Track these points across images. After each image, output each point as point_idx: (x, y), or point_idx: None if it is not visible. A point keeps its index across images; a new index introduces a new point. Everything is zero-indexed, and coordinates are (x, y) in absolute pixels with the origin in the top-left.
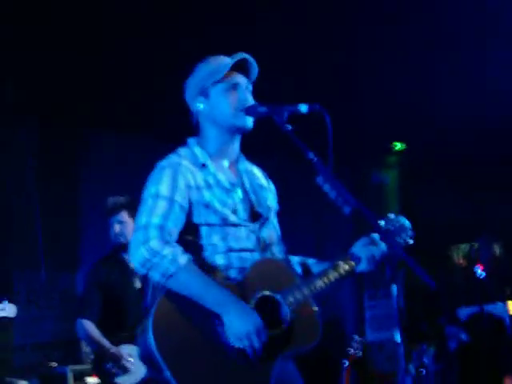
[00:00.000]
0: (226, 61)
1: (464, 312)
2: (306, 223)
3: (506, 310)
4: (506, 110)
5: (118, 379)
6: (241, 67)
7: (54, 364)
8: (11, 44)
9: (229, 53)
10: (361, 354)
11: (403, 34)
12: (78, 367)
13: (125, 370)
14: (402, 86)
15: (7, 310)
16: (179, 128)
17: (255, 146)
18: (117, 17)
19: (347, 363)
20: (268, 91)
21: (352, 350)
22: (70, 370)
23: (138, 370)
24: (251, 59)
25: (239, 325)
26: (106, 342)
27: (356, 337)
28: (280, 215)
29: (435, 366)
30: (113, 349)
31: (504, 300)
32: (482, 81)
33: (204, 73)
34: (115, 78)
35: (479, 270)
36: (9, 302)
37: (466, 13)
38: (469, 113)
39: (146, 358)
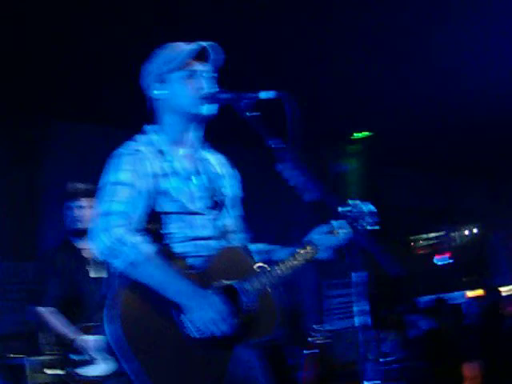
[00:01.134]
0: (185, 49)
1: (423, 300)
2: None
3: (464, 299)
4: (471, 95)
5: (81, 370)
6: (200, 55)
7: (12, 355)
8: None
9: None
10: (320, 343)
11: (367, 19)
12: (36, 358)
13: (89, 361)
14: (365, 72)
15: None
16: (138, 115)
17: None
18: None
19: (306, 352)
20: (229, 79)
21: (311, 340)
22: (27, 361)
23: (103, 361)
24: (211, 48)
25: (203, 313)
26: (69, 331)
27: (315, 326)
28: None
29: (397, 354)
30: (77, 339)
31: (463, 288)
32: (445, 65)
33: (162, 60)
34: (72, 66)
35: (440, 259)
36: None
37: None
38: (433, 98)
39: (114, 347)
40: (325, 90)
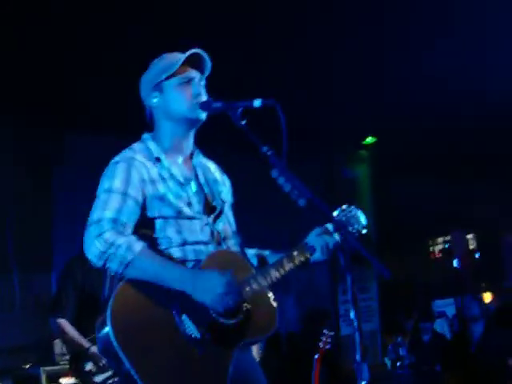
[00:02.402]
0: (180, 56)
1: (439, 304)
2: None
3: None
4: (482, 99)
5: (97, 378)
6: (194, 62)
7: (28, 366)
8: None
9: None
10: (330, 347)
11: (380, 24)
12: (51, 368)
13: (104, 369)
14: (373, 80)
15: None
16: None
17: (211, 141)
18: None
19: (317, 356)
20: (234, 88)
21: (321, 344)
22: (43, 371)
23: None
24: (204, 54)
25: (209, 291)
26: (84, 341)
27: (326, 331)
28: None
29: (409, 358)
30: (92, 348)
31: (479, 293)
32: (458, 69)
33: (158, 68)
34: (90, 77)
35: (455, 263)
36: None
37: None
38: (441, 105)
39: (105, 350)
40: (335, 97)
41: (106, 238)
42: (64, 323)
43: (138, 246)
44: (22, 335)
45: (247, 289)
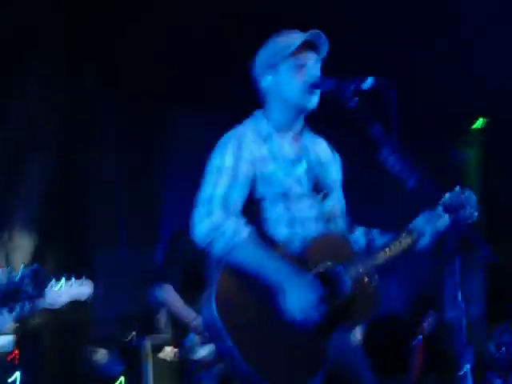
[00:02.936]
0: (299, 37)
1: None
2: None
3: None
4: None
5: (197, 353)
6: (312, 44)
7: (133, 335)
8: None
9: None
10: (434, 329)
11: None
12: (156, 338)
13: (205, 342)
14: (484, 60)
15: (83, 287)
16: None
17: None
18: None
19: (420, 339)
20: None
21: (426, 325)
22: (148, 341)
23: None
24: (322, 35)
25: (300, 296)
26: (189, 312)
27: (431, 312)
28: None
29: None
30: (197, 319)
31: None
32: None
33: (275, 47)
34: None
35: None
36: (86, 278)
37: None
38: None
39: (209, 327)
40: (445, 77)
41: (215, 219)
42: (169, 291)
43: (245, 231)
44: (128, 304)
45: (352, 271)
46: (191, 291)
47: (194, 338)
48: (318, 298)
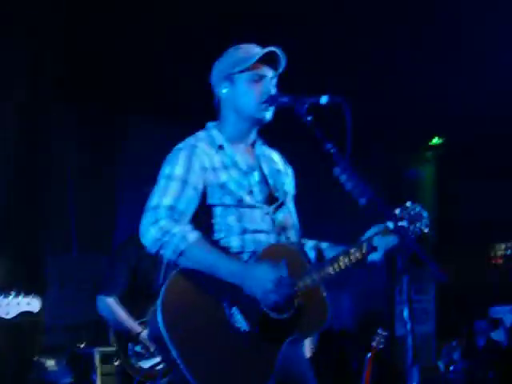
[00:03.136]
0: (256, 51)
1: (496, 310)
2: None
3: None
4: None
5: (144, 363)
6: (269, 59)
7: (82, 345)
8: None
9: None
10: (383, 347)
11: (437, 29)
12: (106, 349)
13: (152, 355)
14: (440, 79)
15: (32, 304)
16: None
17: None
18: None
19: (369, 356)
20: (298, 83)
21: (374, 343)
22: (97, 352)
23: None
24: (280, 52)
25: (259, 287)
26: (134, 324)
27: (380, 330)
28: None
29: (462, 362)
30: (143, 333)
31: None
32: None
33: (232, 59)
34: (151, 62)
35: None
36: (35, 293)
37: None
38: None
39: (154, 337)
40: (399, 97)
41: (162, 225)
42: (112, 302)
43: (193, 235)
44: (78, 314)
45: (301, 284)
46: (135, 304)
47: (139, 349)
48: (275, 282)
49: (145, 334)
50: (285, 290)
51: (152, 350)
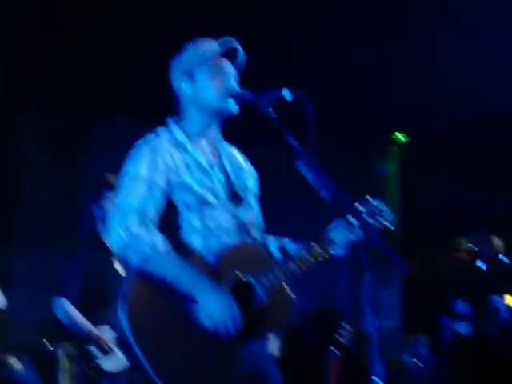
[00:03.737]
0: (215, 46)
1: (462, 305)
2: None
3: (503, 304)
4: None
5: (105, 364)
6: (228, 53)
7: (46, 343)
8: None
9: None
10: (349, 342)
11: (404, 20)
12: (69, 347)
13: (107, 353)
14: (404, 75)
15: None
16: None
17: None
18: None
19: (335, 351)
20: (261, 78)
21: (340, 338)
22: (61, 350)
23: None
24: (237, 45)
25: (214, 308)
26: (86, 323)
27: (345, 326)
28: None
29: (429, 357)
30: (94, 330)
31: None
32: (482, 68)
33: (191, 54)
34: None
35: (480, 264)
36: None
37: None
38: (472, 100)
39: (117, 336)
40: (369, 92)
41: (130, 228)
42: (67, 304)
43: (159, 240)
44: (42, 312)
45: (264, 281)
46: (96, 303)
47: (97, 349)
48: (230, 311)
49: (103, 334)
50: (231, 328)
51: (112, 349)
